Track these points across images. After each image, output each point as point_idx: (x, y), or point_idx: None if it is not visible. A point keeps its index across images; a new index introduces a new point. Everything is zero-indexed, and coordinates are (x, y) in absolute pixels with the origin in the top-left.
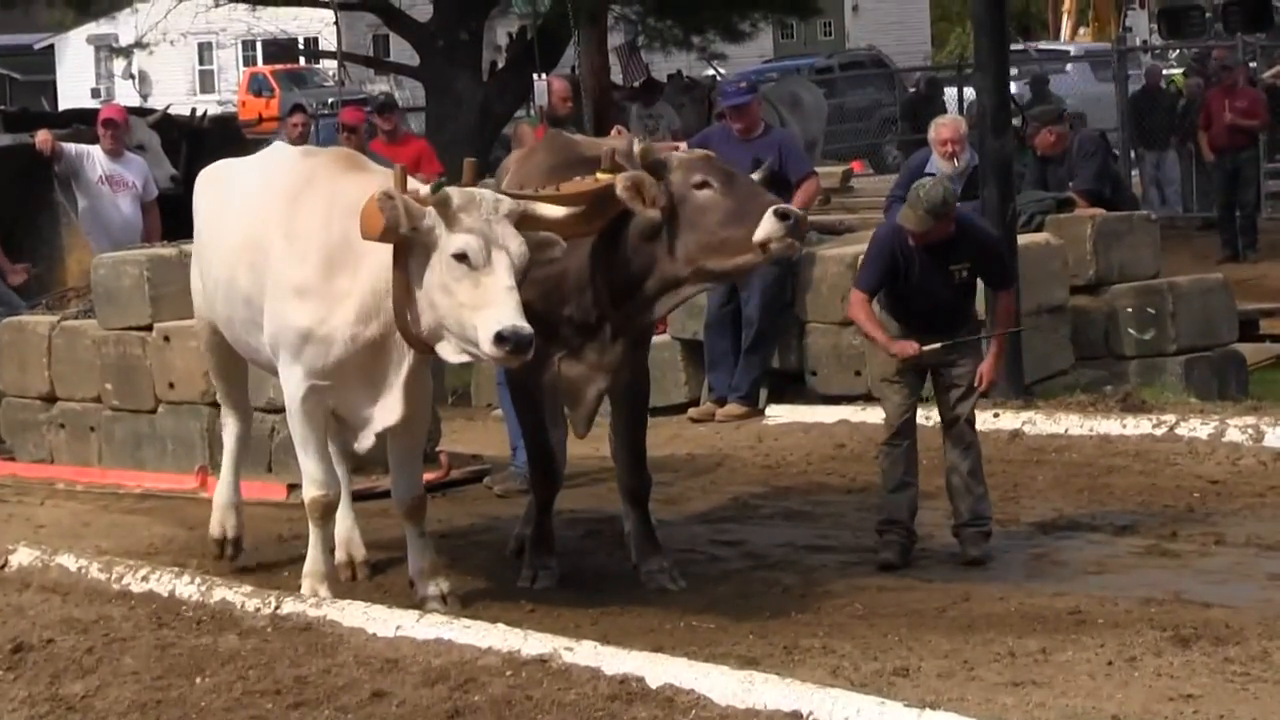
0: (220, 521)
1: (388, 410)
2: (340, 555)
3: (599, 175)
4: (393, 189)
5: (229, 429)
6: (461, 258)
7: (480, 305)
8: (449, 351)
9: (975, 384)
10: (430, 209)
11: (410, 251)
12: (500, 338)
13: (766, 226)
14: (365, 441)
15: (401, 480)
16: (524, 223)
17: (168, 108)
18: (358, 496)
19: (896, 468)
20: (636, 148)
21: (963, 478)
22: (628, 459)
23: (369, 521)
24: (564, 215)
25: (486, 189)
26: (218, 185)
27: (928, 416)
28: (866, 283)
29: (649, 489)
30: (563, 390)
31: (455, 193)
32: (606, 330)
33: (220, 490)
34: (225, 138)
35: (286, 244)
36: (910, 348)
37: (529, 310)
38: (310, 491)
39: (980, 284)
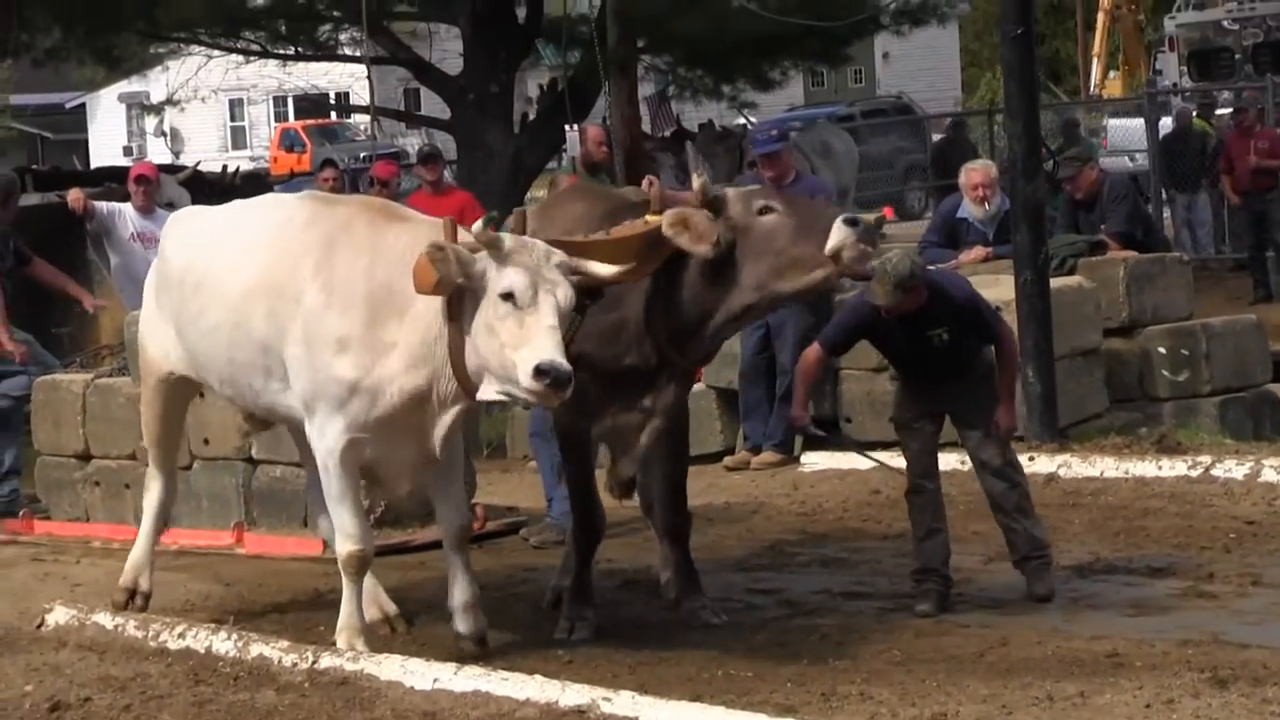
0: (135, 576)
1: (423, 455)
2: (373, 613)
3: (648, 218)
4: (443, 241)
5: (153, 491)
6: (508, 296)
7: (522, 343)
8: (487, 391)
9: (989, 423)
10: (483, 253)
11: (462, 297)
12: (540, 371)
13: (837, 235)
14: (402, 489)
15: (446, 507)
16: (575, 275)
17: (197, 164)
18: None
19: (924, 515)
20: (695, 183)
21: (1008, 514)
22: (669, 497)
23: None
24: (616, 273)
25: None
26: (201, 229)
27: (963, 461)
28: (828, 341)
29: (689, 527)
30: (614, 439)
31: (508, 237)
32: (664, 376)
33: (139, 548)
34: (258, 194)
35: (325, 295)
36: (800, 419)
37: (589, 361)
38: (345, 546)
39: None
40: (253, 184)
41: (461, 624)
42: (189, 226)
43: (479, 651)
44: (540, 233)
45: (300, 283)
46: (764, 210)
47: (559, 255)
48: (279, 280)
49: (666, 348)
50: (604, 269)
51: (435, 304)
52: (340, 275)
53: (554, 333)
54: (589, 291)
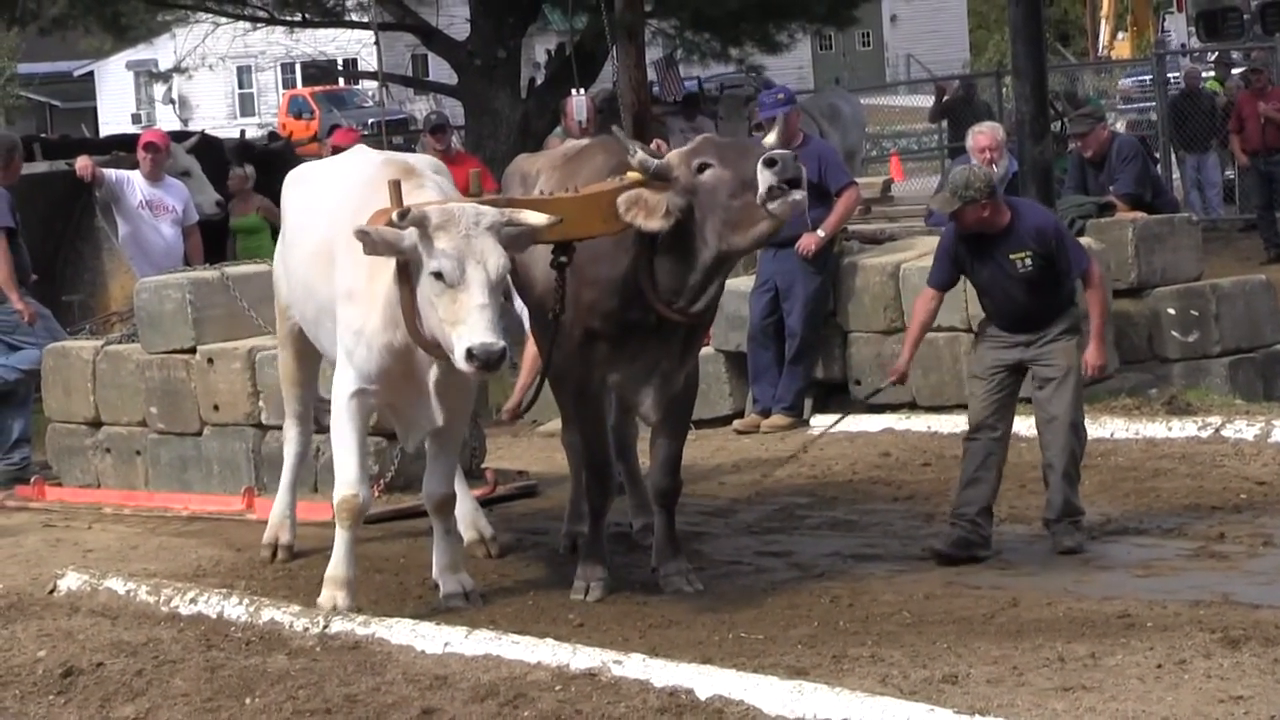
0: (275, 532)
1: (426, 416)
2: (471, 535)
3: (627, 176)
4: (366, 226)
5: (290, 441)
6: (438, 276)
7: (456, 321)
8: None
9: (1067, 375)
10: (411, 230)
11: (410, 264)
12: (470, 354)
13: (763, 182)
14: (411, 442)
15: (433, 476)
16: (513, 235)
17: (203, 131)
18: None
19: (971, 462)
20: (634, 161)
21: (1057, 474)
22: (665, 462)
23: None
24: (548, 223)
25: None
26: (302, 188)
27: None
28: (931, 278)
29: (678, 494)
30: (627, 389)
31: (432, 212)
32: (671, 331)
33: (277, 503)
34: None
35: (346, 250)
36: (897, 375)
37: (600, 311)
38: (341, 491)
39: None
40: (288, 150)
41: (446, 585)
42: (299, 186)
43: (466, 607)
44: (568, 180)
45: (338, 240)
46: (702, 167)
47: (488, 215)
48: (330, 239)
49: (658, 303)
50: (537, 218)
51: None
52: (344, 233)
53: (484, 311)
54: (563, 248)
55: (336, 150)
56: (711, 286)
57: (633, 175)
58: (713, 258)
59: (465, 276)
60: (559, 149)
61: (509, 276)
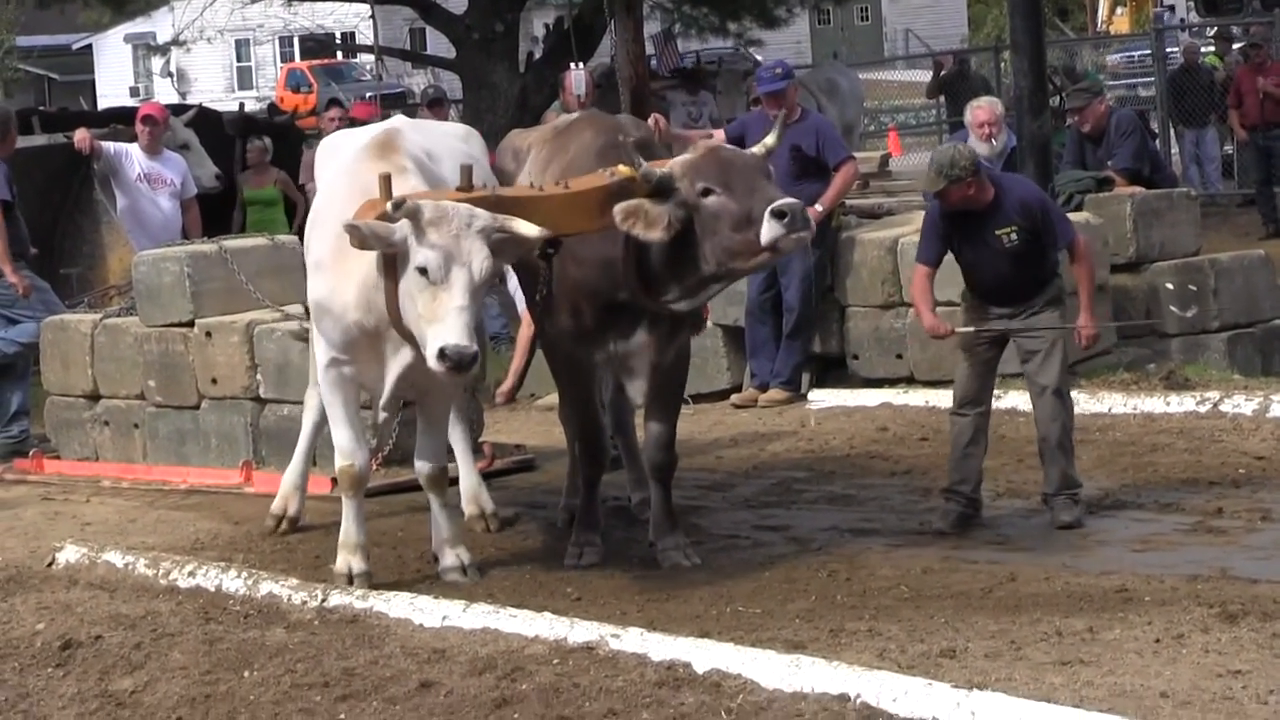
0: (283, 503)
1: (378, 388)
2: (472, 510)
3: (619, 169)
4: (356, 220)
5: (310, 410)
6: (422, 271)
7: (433, 319)
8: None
9: (1054, 346)
10: (403, 222)
11: (394, 257)
12: (442, 354)
13: (769, 232)
14: (380, 415)
15: (424, 451)
16: (502, 241)
17: (200, 105)
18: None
19: (962, 436)
20: (637, 174)
21: (1051, 447)
22: (659, 436)
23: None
24: (540, 235)
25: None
26: (329, 156)
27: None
28: (921, 255)
29: (674, 468)
30: (616, 367)
31: (427, 207)
32: (654, 313)
33: (290, 471)
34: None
35: (314, 220)
36: (941, 327)
37: (590, 289)
38: (338, 462)
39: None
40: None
41: (444, 559)
42: (324, 155)
43: (463, 580)
44: (558, 154)
45: (312, 213)
46: (705, 191)
47: (481, 219)
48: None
49: (645, 299)
50: (529, 229)
51: (374, 256)
52: (324, 205)
53: (462, 313)
54: (551, 240)
55: (355, 122)
56: (704, 294)
57: (623, 170)
58: (710, 273)
59: (449, 276)
60: (550, 124)
61: None
